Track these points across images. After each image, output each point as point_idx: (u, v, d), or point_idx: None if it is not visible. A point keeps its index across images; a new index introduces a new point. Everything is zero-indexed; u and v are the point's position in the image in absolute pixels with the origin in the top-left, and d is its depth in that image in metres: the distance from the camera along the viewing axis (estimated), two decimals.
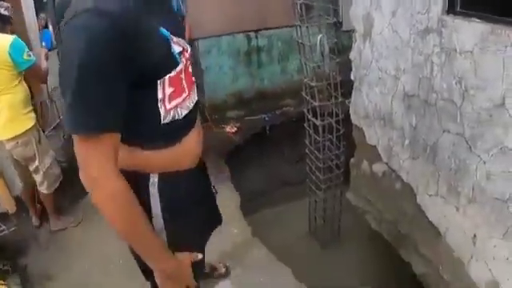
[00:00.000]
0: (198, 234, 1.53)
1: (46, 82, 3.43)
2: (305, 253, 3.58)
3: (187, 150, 1.35)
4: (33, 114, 2.92)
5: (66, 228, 3.16)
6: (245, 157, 4.34)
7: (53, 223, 3.17)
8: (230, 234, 3.02)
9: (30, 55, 2.74)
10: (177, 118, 1.23)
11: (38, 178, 2.98)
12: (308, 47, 3.08)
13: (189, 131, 1.33)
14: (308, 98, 3.16)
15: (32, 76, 2.98)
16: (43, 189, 3.00)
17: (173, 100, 1.19)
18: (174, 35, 1.15)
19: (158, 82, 1.12)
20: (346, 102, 3.45)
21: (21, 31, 3.95)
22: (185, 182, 1.35)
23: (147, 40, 1.05)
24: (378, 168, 2.89)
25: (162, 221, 1.33)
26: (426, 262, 2.53)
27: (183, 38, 1.23)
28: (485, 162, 1.94)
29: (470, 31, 1.87)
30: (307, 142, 3.39)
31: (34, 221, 3.24)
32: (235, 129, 4.53)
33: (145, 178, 1.29)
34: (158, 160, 1.28)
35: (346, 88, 3.24)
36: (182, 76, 1.21)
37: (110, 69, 0.97)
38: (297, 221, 3.83)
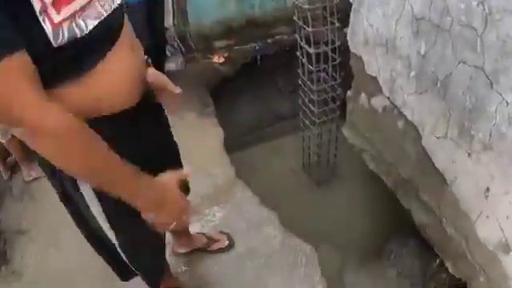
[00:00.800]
0: None
1: None
2: (298, 190, 3.39)
3: (109, 84, 0.98)
4: None
5: (40, 177, 2.88)
6: (233, 89, 4.02)
7: (25, 173, 2.93)
8: (211, 174, 2.75)
9: None
10: (80, 34, 0.85)
11: None
12: None
13: (105, 53, 0.94)
14: (300, 22, 2.76)
15: None
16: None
17: (63, 6, 0.82)
18: None
19: None
20: (344, 30, 3.05)
21: None
22: (110, 131, 0.95)
23: None
24: (378, 102, 2.53)
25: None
26: (428, 212, 2.26)
27: None
28: (508, 103, 1.58)
29: None
30: (300, 72, 3.05)
31: (4, 174, 2.99)
32: (223, 59, 4.14)
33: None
34: (70, 103, 0.90)
35: (344, 14, 2.83)
36: None
37: None
38: (291, 157, 3.63)
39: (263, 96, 4.26)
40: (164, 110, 1.45)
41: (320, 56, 2.84)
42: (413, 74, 2.14)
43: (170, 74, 3.81)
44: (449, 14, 1.75)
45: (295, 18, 2.81)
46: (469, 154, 1.86)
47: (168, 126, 1.52)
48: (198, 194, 2.57)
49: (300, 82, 3.12)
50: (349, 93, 2.86)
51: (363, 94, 2.69)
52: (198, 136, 3.09)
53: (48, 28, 0.81)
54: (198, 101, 3.53)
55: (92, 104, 0.97)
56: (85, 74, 0.92)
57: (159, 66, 3.59)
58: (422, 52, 2.01)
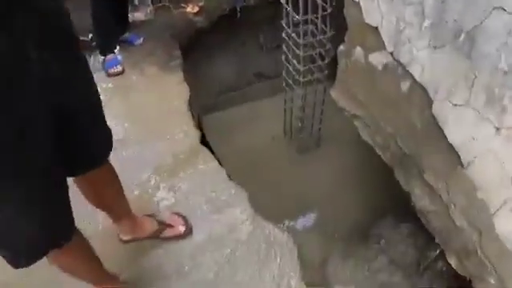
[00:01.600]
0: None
1: None
2: (276, 161, 3.03)
3: None
4: None
5: None
6: (208, 44, 3.61)
7: None
8: (170, 140, 2.31)
9: None
10: None
11: None
12: None
13: None
14: None
15: None
16: None
17: None
18: None
19: None
20: None
21: None
22: None
23: None
24: (378, 59, 2.07)
25: None
26: (433, 197, 1.87)
27: None
28: None
29: None
30: (283, 23, 2.67)
31: None
32: (197, 9, 3.67)
33: None
34: None
35: None
36: None
37: None
38: (270, 121, 3.29)
39: (242, 52, 3.89)
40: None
41: (308, 4, 2.48)
42: (427, 23, 1.68)
43: (135, 25, 3.34)
44: None
45: None
46: (497, 129, 1.45)
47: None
48: (150, 164, 2.13)
49: (284, 34, 2.76)
50: (341, 47, 2.40)
51: (359, 48, 2.22)
52: (158, 94, 2.63)
53: None
54: (164, 53, 3.04)
55: None
56: None
57: (123, 16, 3.10)
58: None
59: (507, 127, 1.41)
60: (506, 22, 1.31)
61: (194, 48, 3.50)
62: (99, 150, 1.35)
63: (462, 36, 1.50)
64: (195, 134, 2.36)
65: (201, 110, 3.19)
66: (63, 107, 1.06)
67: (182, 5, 3.75)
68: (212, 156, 2.26)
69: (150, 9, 3.62)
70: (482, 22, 1.40)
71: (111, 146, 1.38)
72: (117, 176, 1.58)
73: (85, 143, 1.23)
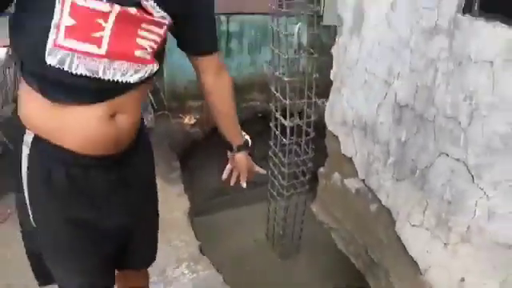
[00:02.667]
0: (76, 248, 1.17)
1: None
2: (260, 264, 3.27)
3: (72, 126, 1.00)
4: None
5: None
6: (202, 152, 3.92)
7: None
8: (174, 247, 2.57)
9: None
10: (66, 68, 0.91)
11: None
12: (284, 36, 2.68)
13: (81, 103, 0.98)
14: (277, 94, 2.79)
15: None
16: None
17: (70, 37, 0.89)
18: None
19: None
20: (320, 102, 3.10)
21: None
22: (62, 168, 1.03)
23: None
24: (352, 184, 2.53)
25: (26, 194, 1.08)
26: None
27: None
28: (489, 198, 1.60)
29: (491, 37, 1.50)
30: (272, 143, 3.05)
31: None
32: (194, 120, 4.06)
33: (21, 130, 1.03)
34: (33, 110, 1.00)
35: (321, 88, 2.89)
36: (106, 25, 0.91)
37: None
38: (255, 226, 3.55)
39: None
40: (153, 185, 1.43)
41: (294, 129, 2.85)
42: (391, 160, 2.16)
43: None
44: (434, 105, 1.80)
45: (272, 88, 2.83)
46: (445, 245, 1.85)
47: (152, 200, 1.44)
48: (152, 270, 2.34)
49: (271, 153, 3.10)
50: (321, 169, 2.86)
51: (336, 174, 2.69)
52: (161, 205, 2.90)
53: (50, 39, 0.88)
54: (164, 163, 3.40)
55: (48, 126, 0.99)
56: (55, 103, 0.96)
57: None
58: (403, 140, 2.05)
59: (453, 243, 1.81)
60: (449, 165, 1.77)
61: (188, 156, 3.79)
62: (145, 258, 1.51)
63: (417, 172, 1.97)
64: (195, 243, 2.59)
65: (194, 212, 3.42)
66: (129, 224, 1.27)
67: (180, 115, 4.10)
68: (209, 263, 2.48)
69: (151, 116, 3.84)
70: (431, 163, 1.88)
71: (155, 257, 1.54)
72: (148, 282, 1.72)
73: (135, 252, 1.39)
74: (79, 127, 0.99)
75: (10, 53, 3.20)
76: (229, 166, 1.56)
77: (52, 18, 0.87)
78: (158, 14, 0.97)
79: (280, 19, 2.66)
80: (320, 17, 4.22)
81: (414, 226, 2.02)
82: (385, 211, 2.23)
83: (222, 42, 4.29)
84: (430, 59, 1.80)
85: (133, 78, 0.98)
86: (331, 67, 2.84)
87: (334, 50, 2.76)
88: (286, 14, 2.69)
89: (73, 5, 0.87)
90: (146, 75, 1.01)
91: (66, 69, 0.90)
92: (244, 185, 1.52)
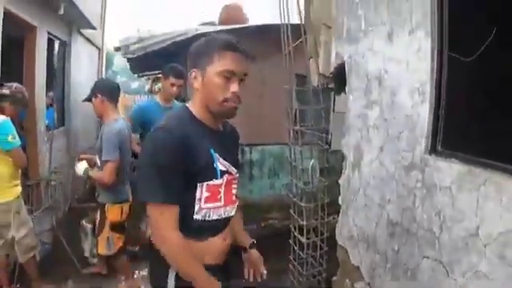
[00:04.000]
0: None
1: (24, 166, 3.39)
2: None
3: (211, 249, 1.73)
4: (17, 189, 3.18)
5: None
6: None
7: None
8: None
9: (14, 137, 2.98)
10: (207, 218, 1.67)
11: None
12: (300, 170, 3.43)
13: (215, 234, 1.75)
14: (295, 216, 3.44)
15: (12, 157, 3.08)
16: (19, 258, 3.22)
17: (207, 203, 1.66)
18: (223, 158, 1.69)
19: (198, 184, 1.62)
20: (331, 218, 3.73)
21: (29, 107, 4.27)
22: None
23: (196, 152, 1.58)
24: (360, 286, 3.06)
25: None
26: None
27: (232, 165, 1.75)
28: (460, 286, 2.15)
29: (448, 170, 2.19)
30: (291, 257, 3.59)
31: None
32: None
33: (166, 267, 1.64)
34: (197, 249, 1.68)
35: (332, 207, 3.54)
36: (221, 190, 1.70)
37: (171, 165, 1.54)
38: None
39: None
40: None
41: (309, 244, 3.44)
42: (389, 265, 2.74)
43: None
44: (415, 221, 2.45)
45: (291, 211, 3.49)
46: None
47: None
48: None
49: (291, 266, 3.64)
50: (334, 278, 3.40)
51: (347, 280, 3.23)
52: None
53: (196, 207, 1.65)
54: None
55: (197, 255, 1.66)
56: (203, 240, 1.71)
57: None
58: (396, 249, 2.65)
59: None
60: (430, 265, 2.34)
61: None
62: None
63: (409, 273, 2.53)
64: None
65: None
66: None
67: None
68: None
69: None
70: (418, 265, 2.45)
71: None
72: None
73: None
74: (215, 248, 1.75)
75: None
76: (247, 267, 2.10)
77: (195, 196, 1.64)
78: (235, 171, 1.78)
79: (295, 148, 3.44)
80: (329, 145, 5.08)
81: None
82: None
83: (246, 169, 5.06)
84: (410, 188, 2.50)
85: (232, 212, 1.80)
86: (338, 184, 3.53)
87: (341, 181, 3.49)
88: (301, 143, 3.47)
89: (208, 185, 1.64)
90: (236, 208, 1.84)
91: (206, 219, 1.68)
92: (264, 273, 2.08)
